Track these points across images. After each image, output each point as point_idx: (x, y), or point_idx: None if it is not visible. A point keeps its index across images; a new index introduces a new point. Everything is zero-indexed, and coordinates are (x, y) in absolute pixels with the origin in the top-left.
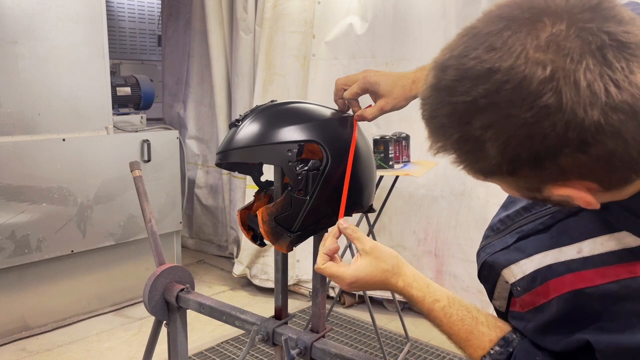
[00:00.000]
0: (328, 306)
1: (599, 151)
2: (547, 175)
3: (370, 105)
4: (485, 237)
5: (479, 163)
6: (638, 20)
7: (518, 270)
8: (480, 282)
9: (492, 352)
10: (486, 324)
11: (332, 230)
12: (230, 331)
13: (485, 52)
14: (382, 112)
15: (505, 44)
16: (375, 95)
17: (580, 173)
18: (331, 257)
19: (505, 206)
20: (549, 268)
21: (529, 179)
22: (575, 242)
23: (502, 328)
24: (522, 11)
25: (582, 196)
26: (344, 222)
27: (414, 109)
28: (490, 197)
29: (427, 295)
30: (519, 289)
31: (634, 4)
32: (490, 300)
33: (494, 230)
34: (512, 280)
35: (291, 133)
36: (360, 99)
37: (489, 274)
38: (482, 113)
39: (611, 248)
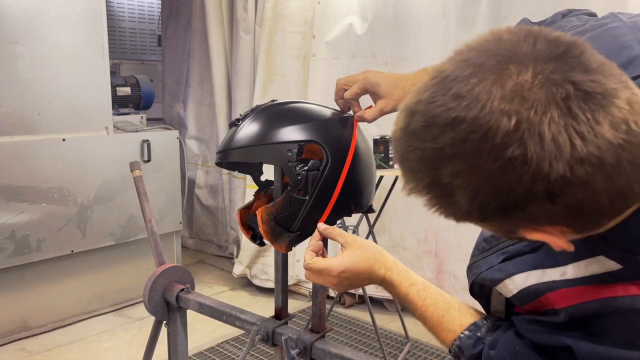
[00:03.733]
0: (328, 306)
1: (568, 201)
2: (518, 221)
3: (370, 106)
4: (472, 255)
5: (450, 208)
6: (607, 65)
7: (506, 291)
8: (473, 298)
9: (461, 335)
10: (458, 309)
11: (314, 234)
12: (230, 331)
13: (451, 100)
14: (382, 113)
15: (471, 92)
16: (376, 96)
17: (552, 220)
18: (317, 255)
19: None
20: (532, 289)
21: (501, 224)
22: (559, 266)
23: (474, 315)
24: (489, 57)
25: (554, 241)
26: (321, 225)
27: None
28: None
29: (405, 279)
30: (517, 302)
31: (612, 16)
32: (488, 315)
33: (479, 249)
34: (505, 296)
35: (291, 133)
36: (360, 99)
37: (480, 290)
38: (450, 161)
39: (594, 271)
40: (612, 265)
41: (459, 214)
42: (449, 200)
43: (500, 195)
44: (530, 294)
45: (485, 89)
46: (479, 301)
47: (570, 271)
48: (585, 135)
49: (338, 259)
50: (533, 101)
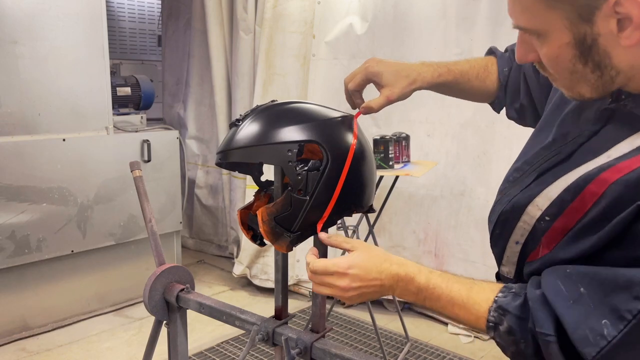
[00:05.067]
0: (328, 306)
1: None
2: None
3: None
4: (500, 190)
5: None
6: None
7: (543, 200)
8: (491, 247)
9: (497, 298)
10: (484, 281)
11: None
12: (230, 331)
13: None
14: (389, 101)
15: None
16: (379, 86)
17: None
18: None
19: (517, 160)
20: (579, 180)
21: None
22: (602, 153)
23: (499, 285)
24: None
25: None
26: (322, 234)
27: (414, 108)
28: (490, 197)
29: (423, 268)
30: (547, 218)
31: None
32: (499, 268)
33: (510, 180)
34: (538, 214)
35: (291, 133)
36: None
37: (501, 232)
38: None
39: None
40: None
41: None
42: None
43: None
44: (577, 186)
45: None
46: (494, 250)
47: (615, 151)
48: None
49: (344, 257)
50: None
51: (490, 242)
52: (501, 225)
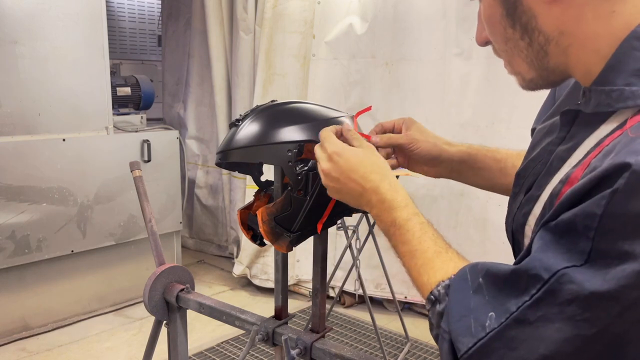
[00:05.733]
0: (328, 306)
1: None
2: None
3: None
4: (509, 202)
5: None
6: None
7: (533, 219)
8: (514, 256)
9: (453, 276)
10: (457, 256)
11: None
12: (230, 331)
13: None
14: (408, 138)
15: None
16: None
17: None
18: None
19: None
20: (551, 195)
21: None
22: (566, 161)
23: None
24: None
25: None
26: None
27: (412, 109)
28: (490, 198)
29: (410, 205)
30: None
31: None
32: None
33: (511, 196)
34: (534, 228)
35: (291, 133)
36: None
37: (515, 247)
38: None
39: (605, 132)
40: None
41: None
42: None
43: None
44: (550, 203)
45: None
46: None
47: (574, 159)
48: None
49: (343, 143)
50: None
51: (512, 251)
52: (513, 243)
